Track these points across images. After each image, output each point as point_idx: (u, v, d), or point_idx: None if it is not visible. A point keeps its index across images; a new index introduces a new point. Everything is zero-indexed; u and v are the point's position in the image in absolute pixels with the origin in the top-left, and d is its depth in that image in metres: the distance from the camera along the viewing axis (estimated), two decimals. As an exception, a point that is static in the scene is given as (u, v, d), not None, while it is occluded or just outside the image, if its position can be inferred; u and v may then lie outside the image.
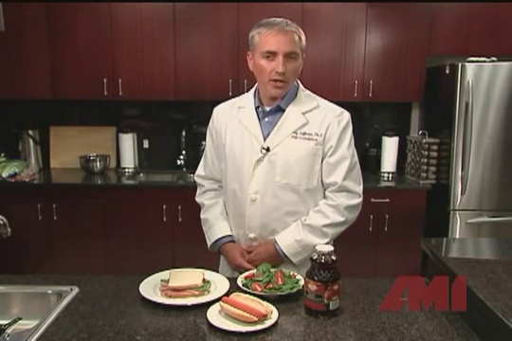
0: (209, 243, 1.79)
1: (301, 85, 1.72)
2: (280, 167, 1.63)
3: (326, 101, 1.72)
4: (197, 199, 1.88)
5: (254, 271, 1.56)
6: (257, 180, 1.65)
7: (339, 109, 1.69)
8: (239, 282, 1.50)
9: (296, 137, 1.63)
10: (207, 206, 1.82)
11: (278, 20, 1.58)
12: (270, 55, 1.56)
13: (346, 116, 1.68)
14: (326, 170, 1.66)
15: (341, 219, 1.65)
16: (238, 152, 1.68)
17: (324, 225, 1.64)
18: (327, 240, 1.65)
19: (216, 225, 1.77)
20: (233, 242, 1.75)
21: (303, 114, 1.65)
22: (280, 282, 1.46)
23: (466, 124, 3.03)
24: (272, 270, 1.54)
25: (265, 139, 1.65)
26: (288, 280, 1.48)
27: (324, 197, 1.70)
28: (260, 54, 1.58)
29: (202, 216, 1.83)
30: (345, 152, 1.65)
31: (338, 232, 1.67)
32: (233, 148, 1.69)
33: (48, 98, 3.47)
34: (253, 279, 1.50)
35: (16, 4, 3.26)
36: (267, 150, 1.63)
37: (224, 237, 1.75)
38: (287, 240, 1.65)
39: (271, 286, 1.45)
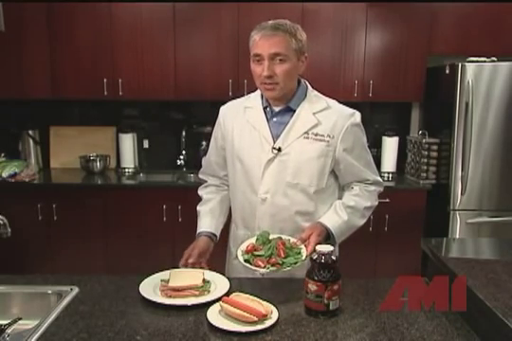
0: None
1: (309, 86, 1.73)
2: (291, 167, 1.64)
3: (335, 102, 1.73)
4: (199, 191, 1.91)
5: (253, 241, 1.54)
6: (268, 180, 1.66)
7: (350, 109, 1.70)
8: (240, 258, 1.47)
9: (308, 138, 1.64)
10: (204, 199, 1.87)
11: (269, 22, 1.58)
12: (259, 58, 1.57)
13: (358, 116, 1.69)
14: (352, 170, 1.70)
15: (375, 203, 1.76)
16: (247, 153, 1.69)
17: (365, 208, 1.72)
18: (365, 221, 1.73)
19: (203, 220, 1.80)
20: (210, 237, 1.73)
21: (314, 114, 1.65)
22: (282, 255, 1.45)
23: (466, 124, 3.03)
24: (271, 237, 1.53)
25: (274, 139, 1.65)
26: (290, 252, 1.47)
27: (330, 196, 1.73)
28: (251, 57, 1.60)
29: (197, 208, 1.86)
30: (364, 151, 1.72)
31: (369, 216, 1.76)
32: (242, 148, 1.70)
33: (48, 98, 3.47)
34: (254, 254, 1.47)
35: (16, 4, 3.26)
36: (279, 150, 1.64)
37: (203, 231, 1.75)
38: (336, 221, 1.66)
39: (274, 261, 1.43)
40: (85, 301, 1.42)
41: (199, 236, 1.74)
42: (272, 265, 1.43)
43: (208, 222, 1.78)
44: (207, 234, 1.74)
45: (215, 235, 1.76)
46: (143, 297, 1.41)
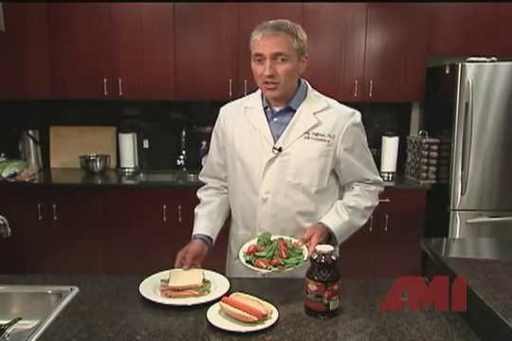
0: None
1: (309, 86, 1.73)
2: (292, 167, 1.64)
3: (335, 102, 1.73)
4: (198, 193, 1.89)
5: (255, 242, 1.54)
6: (268, 180, 1.66)
7: (350, 109, 1.70)
8: (242, 259, 1.47)
9: (308, 138, 1.64)
10: (203, 202, 1.85)
11: (270, 22, 1.58)
12: (261, 58, 1.57)
13: (358, 115, 1.69)
14: (352, 170, 1.70)
15: (376, 203, 1.76)
16: (247, 153, 1.69)
17: (366, 208, 1.72)
18: (366, 221, 1.73)
19: (200, 222, 1.78)
20: (204, 241, 1.72)
21: (314, 114, 1.65)
22: (284, 256, 1.45)
23: (466, 124, 3.03)
24: (272, 239, 1.53)
25: (274, 139, 1.65)
26: (292, 253, 1.47)
27: (331, 196, 1.73)
28: (252, 57, 1.60)
29: (195, 210, 1.85)
30: (365, 151, 1.72)
31: (369, 216, 1.77)
32: (242, 148, 1.70)
33: (48, 98, 3.47)
34: (256, 255, 1.47)
35: (16, 4, 3.26)
36: (279, 150, 1.64)
37: (198, 234, 1.74)
38: (338, 222, 1.66)
39: (276, 261, 1.43)
40: (85, 301, 1.42)
41: (194, 239, 1.73)
42: (274, 266, 1.43)
43: (204, 224, 1.76)
44: (202, 237, 1.72)
45: (211, 238, 1.73)
46: (143, 297, 1.41)
